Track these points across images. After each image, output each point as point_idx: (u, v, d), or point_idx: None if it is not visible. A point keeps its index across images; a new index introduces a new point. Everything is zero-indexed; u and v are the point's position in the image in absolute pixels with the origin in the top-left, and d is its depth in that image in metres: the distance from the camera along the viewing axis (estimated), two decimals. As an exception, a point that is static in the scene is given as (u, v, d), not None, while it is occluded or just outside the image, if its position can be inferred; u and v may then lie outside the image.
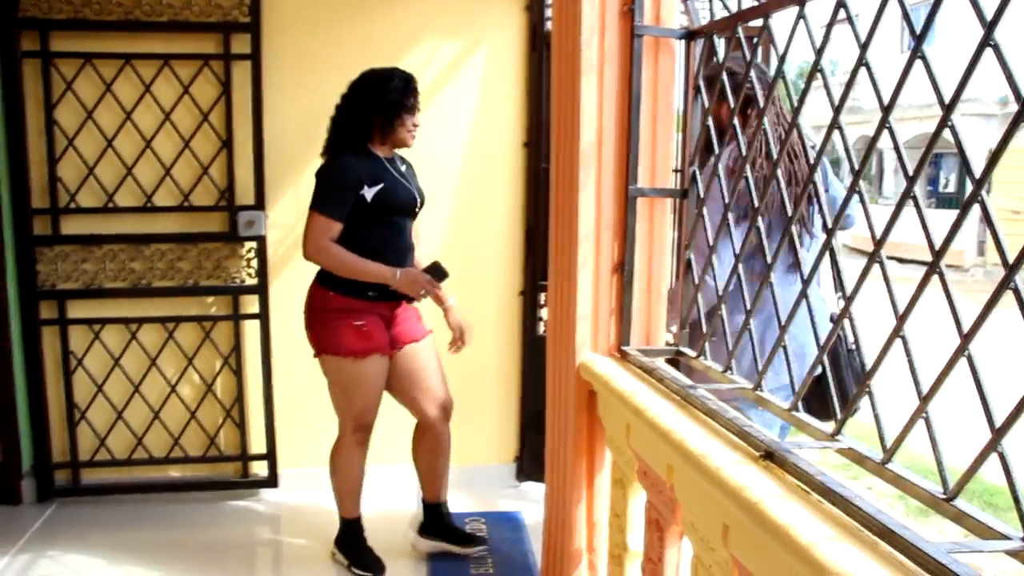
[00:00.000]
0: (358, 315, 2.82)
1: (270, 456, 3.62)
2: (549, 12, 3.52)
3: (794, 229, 1.62)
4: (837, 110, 1.44)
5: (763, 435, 1.51)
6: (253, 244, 3.49)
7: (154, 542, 3.22)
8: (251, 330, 3.58)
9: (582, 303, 2.24)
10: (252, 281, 3.52)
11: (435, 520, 3.16)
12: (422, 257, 3.06)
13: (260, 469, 3.66)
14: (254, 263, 3.51)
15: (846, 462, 1.45)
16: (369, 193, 2.75)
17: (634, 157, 2.23)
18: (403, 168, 2.94)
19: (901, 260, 14.22)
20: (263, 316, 3.52)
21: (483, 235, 3.63)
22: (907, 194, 1.23)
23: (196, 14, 3.34)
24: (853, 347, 2.70)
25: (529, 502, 3.59)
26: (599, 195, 2.24)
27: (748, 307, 1.78)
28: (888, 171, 23.39)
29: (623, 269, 2.26)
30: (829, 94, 1.50)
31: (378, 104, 2.77)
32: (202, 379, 3.57)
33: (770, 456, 1.46)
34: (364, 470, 3.02)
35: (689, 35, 2.22)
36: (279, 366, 3.59)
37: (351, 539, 3.06)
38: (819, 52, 1.55)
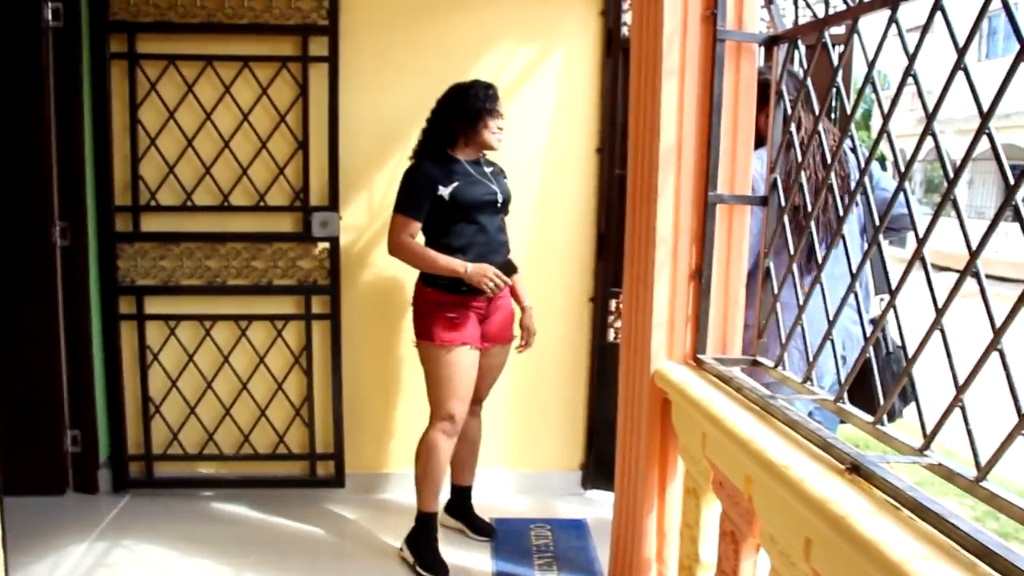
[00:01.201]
0: (453, 308, 2.99)
1: (337, 456, 3.65)
2: (624, 18, 3.51)
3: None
4: (930, 117, 1.38)
5: (848, 448, 1.46)
6: (326, 245, 3.53)
7: (223, 537, 3.27)
8: (322, 330, 3.61)
9: (658, 309, 2.21)
10: (324, 282, 3.56)
11: (458, 501, 3.38)
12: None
13: (327, 469, 3.68)
14: (327, 263, 3.54)
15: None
16: (445, 192, 2.93)
17: (714, 163, 2.19)
18: (488, 170, 3.08)
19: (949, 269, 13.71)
20: (334, 317, 3.56)
21: (555, 240, 3.60)
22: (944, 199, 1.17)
23: (276, 17, 3.40)
24: (892, 350, 2.62)
25: (595, 509, 3.54)
26: (678, 200, 2.20)
27: (800, 304, 1.73)
28: (962, 182, 22.69)
29: (700, 276, 2.21)
30: (924, 102, 1.45)
31: (460, 110, 2.97)
32: (272, 377, 3.61)
33: (856, 469, 1.41)
34: (448, 464, 3.12)
35: (772, 40, 2.18)
36: (348, 367, 3.62)
37: (423, 537, 3.09)
38: (912, 57, 1.50)
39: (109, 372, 3.57)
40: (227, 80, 3.42)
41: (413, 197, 2.98)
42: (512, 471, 3.73)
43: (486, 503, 3.52)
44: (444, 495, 3.28)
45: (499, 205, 3.04)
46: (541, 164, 3.58)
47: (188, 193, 3.47)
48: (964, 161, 1.30)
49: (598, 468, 3.66)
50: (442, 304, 2.99)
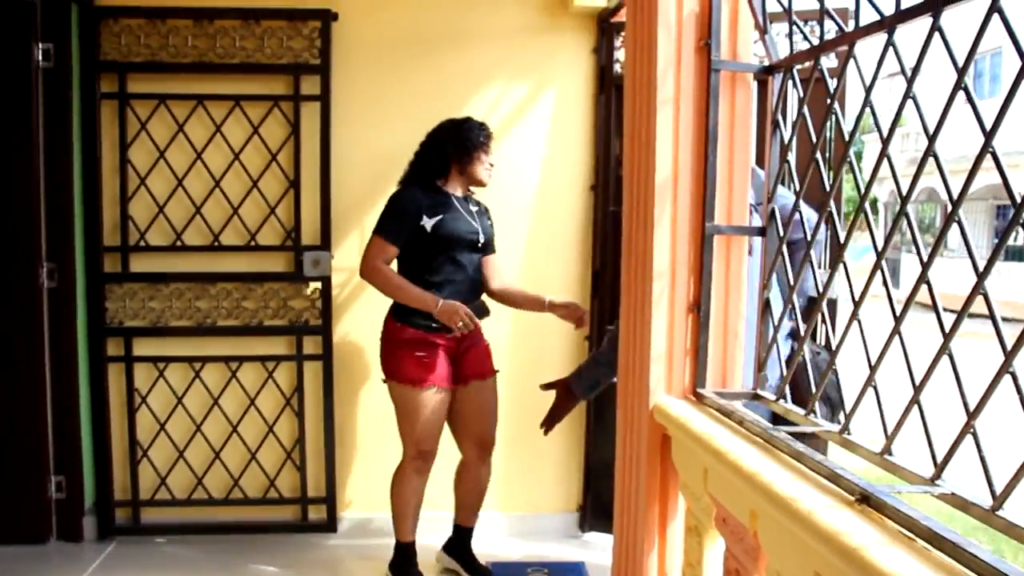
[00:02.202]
0: (422, 347, 2.95)
1: (329, 500, 3.57)
2: (617, 55, 3.51)
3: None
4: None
5: (857, 478, 1.41)
6: (318, 284, 3.48)
7: (211, 584, 3.18)
8: (313, 371, 3.55)
9: (656, 343, 2.16)
10: (316, 322, 3.51)
11: (458, 541, 3.28)
12: (518, 292, 3.25)
13: (319, 513, 3.60)
14: (319, 303, 3.50)
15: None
16: (428, 224, 2.93)
17: (711, 193, 2.16)
18: (474, 208, 3.08)
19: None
20: (326, 357, 3.50)
21: (549, 277, 3.56)
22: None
23: (268, 56, 3.39)
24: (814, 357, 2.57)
25: (593, 552, 3.46)
26: (674, 232, 2.16)
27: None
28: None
29: (699, 308, 2.17)
30: (924, 123, 1.42)
31: (455, 141, 2.99)
32: (263, 420, 3.55)
33: (866, 500, 1.35)
34: (421, 497, 3.12)
35: (768, 69, 2.16)
36: (340, 409, 3.55)
37: (402, 564, 3.14)
38: (910, 81, 1.48)
39: (95, 415, 3.49)
40: (218, 119, 3.40)
41: (395, 222, 2.96)
42: (508, 514, 3.65)
43: (482, 546, 3.42)
44: (433, 531, 3.20)
45: (479, 245, 3.04)
46: (534, 201, 3.56)
47: (178, 233, 3.44)
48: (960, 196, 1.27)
49: (596, 510, 3.58)
50: (411, 342, 2.96)
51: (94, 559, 3.35)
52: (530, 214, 3.56)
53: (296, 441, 3.55)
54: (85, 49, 3.35)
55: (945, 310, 1.37)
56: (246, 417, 3.55)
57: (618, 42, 3.47)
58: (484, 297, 3.15)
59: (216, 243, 3.45)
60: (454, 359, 3.04)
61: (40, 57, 3.31)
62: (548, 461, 3.66)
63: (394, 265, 3.02)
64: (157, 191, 3.42)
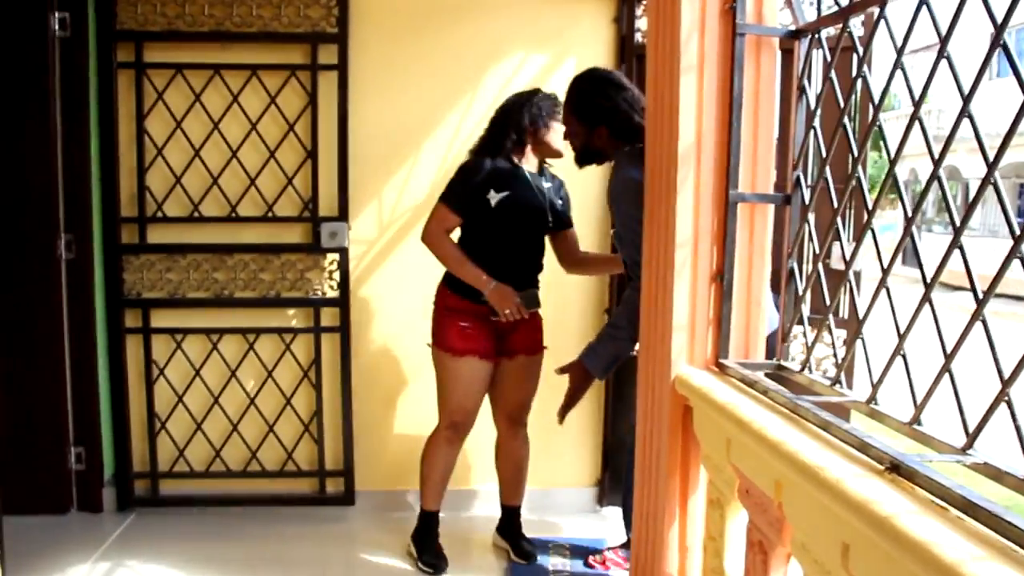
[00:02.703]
0: (467, 317, 2.94)
1: (347, 473, 3.56)
2: (638, 24, 3.44)
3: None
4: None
5: (887, 447, 1.37)
6: (335, 256, 3.46)
7: (228, 557, 3.17)
8: (331, 344, 3.53)
9: (678, 313, 2.11)
10: (333, 294, 3.49)
11: (506, 521, 3.27)
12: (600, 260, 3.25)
13: (337, 486, 3.59)
14: (336, 275, 3.47)
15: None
16: (494, 198, 2.86)
17: (735, 161, 2.11)
18: (547, 184, 3.01)
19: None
20: (343, 329, 3.48)
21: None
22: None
23: (285, 25, 3.35)
24: None
25: (611, 526, 3.43)
26: (697, 200, 2.11)
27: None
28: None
29: (722, 278, 2.13)
30: (957, 81, 1.37)
31: (529, 112, 2.89)
32: (281, 392, 3.53)
33: (896, 468, 1.31)
34: (450, 468, 3.12)
35: (794, 33, 2.10)
36: (358, 381, 3.54)
37: (424, 533, 3.14)
38: (944, 39, 1.42)
39: (114, 387, 3.49)
40: (235, 89, 3.36)
41: (461, 190, 2.90)
42: (527, 489, 3.62)
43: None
44: (469, 504, 3.19)
45: (548, 223, 2.98)
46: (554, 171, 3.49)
47: (195, 204, 3.42)
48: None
49: (615, 484, 3.55)
50: (458, 311, 2.94)
51: (114, 530, 3.37)
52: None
53: (314, 414, 3.54)
54: (101, 18, 3.32)
55: (961, 288, 1.33)
56: (263, 389, 3.54)
57: (639, 11, 3.41)
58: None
59: (233, 214, 3.43)
60: (501, 333, 3.00)
61: (56, 26, 3.29)
62: (566, 436, 3.62)
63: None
64: (174, 162, 3.40)
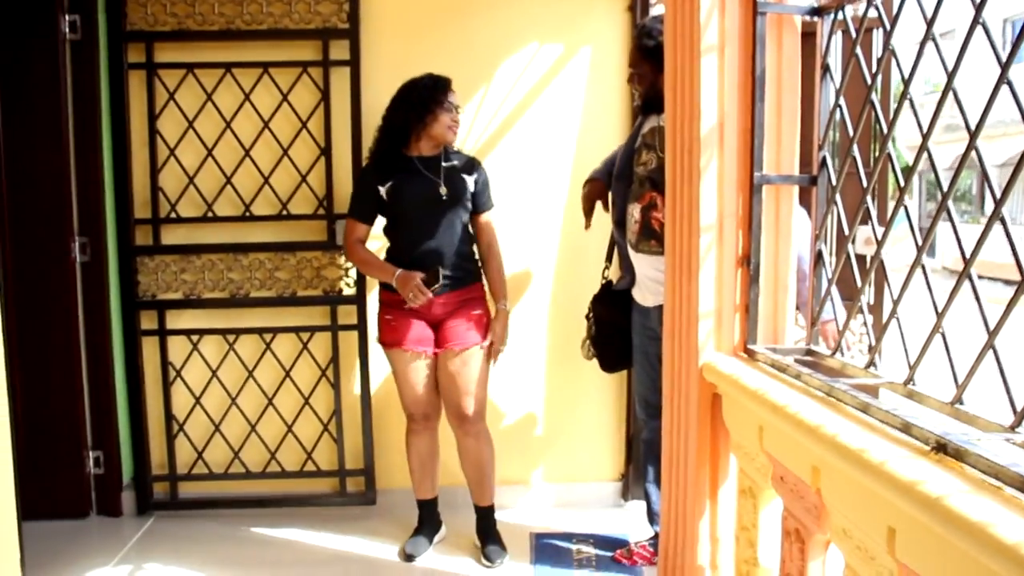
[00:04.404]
0: (391, 310, 3.01)
1: (367, 472, 3.52)
2: (652, 11, 3.39)
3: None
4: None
5: (933, 427, 1.32)
6: (351, 254, 3.42)
7: (249, 558, 3.15)
8: (349, 342, 3.49)
9: (704, 299, 2.07)
10: (350, 291, 3.45)
11: (478, 521, 3.21)
12: (494, 271, 3.12)
13: (357, 486, 3.56)
14: (352, 272, 3.44)
15: None
16: (383, 190, 2.95)
17: (759, 142, 2.07)
18: (445, 164, 2.98)
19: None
20: (361, 327, 3.44)
21: (587, 240, 3.43)
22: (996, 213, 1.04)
23: (296, 21, 3.32)
24: None
25: (637, 520, 3.38)
26: (721, 183, 2.07)
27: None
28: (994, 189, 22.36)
29: (749, 262, 2.08)
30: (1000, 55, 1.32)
31: (407, 104, 2.92)
32: (299, 391, 3.50)
33: (943, 448, 1.27)
34: (426, 458, 3.16)
35: (817, 11, 2.06)
36: (377, 379, 3.50)
37: (419, 521, 3.24)
38: (978, 9, 1.37)
39: (131, 390, 3.47)
40: (247, 87, 3.33)
41: (356, 197, 3.05)
42: (551, 484, 3.59)
43: (526, 516, 3.44)
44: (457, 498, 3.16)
45: (443, 202, 2.94)
46: (572, 164, 3.45)
47: (209, 204, 3.39)
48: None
49: (638, 479, 3.50)
50: (386, 304, 3.04)
51: (133, 534, 3.34)
52: (567, 177, 3.45)
53: (333, 412, 3.51)
54: (111, 19, 3.29)
55: (983, 277, 1.28)
56: (281, 389, 3.50)
57: (653, -1, 3.37)
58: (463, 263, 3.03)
59: (247, 213, 3.40)
60: (434, 325, 3.01)
61: (67, 29, 3.27)
62: (590, 430, 3.58)
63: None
64: (187, 162, 3.37)
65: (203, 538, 3.32)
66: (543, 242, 3.49)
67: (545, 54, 3.42)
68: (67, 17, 3.26)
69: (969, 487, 1.14)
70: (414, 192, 2.92)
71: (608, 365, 3.09)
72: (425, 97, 2.90)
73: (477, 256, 3.12)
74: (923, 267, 1.56)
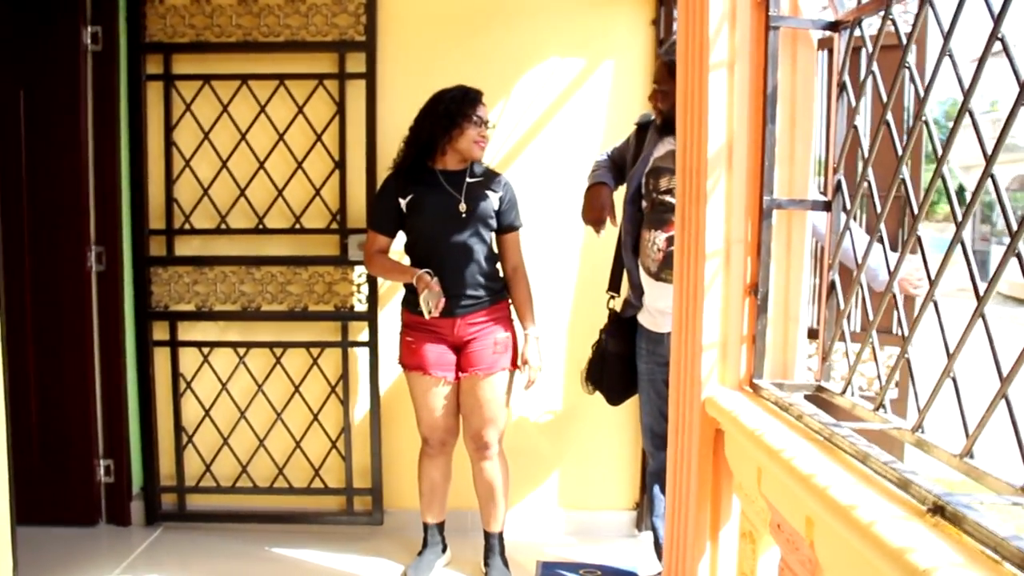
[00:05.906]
0: (412, 331, 2.95)
1: (375, 491, 3.47)
2: (676, 26, 3.31)
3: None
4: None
5: (932, 485, 1.21)
6: (364, 268, 3.37)
7: (255, 574, 3.12)
8: (359, 358, 3.45)
9: (709, 329, 1.97)
10: (362, 307, 3.41)
11: (487, 548, 3.14)
12: (521, 294, 3.03)
13: (365, 504, 3.50)
14: (364, 288, 3.39)
15: None
16: (403, 203, 2.89)
17: (770, 164, 1.96)
18: (471, 180, 2.91)
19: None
20: (372, 344, 3.39)
21: (606, 261, 3.35)
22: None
23: (313, 34, 3.30)
24: None
25: (647, 554, 3.27)
26: (730, 206, 1.96)
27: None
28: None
29: (757, 291, 1.98)
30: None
31: (434, 117, 2.85)
32: (308, 407, 3.46)
33: (940, 511, 1.15)
34: (436, 482, 3.10)
35: (833, 25, 1.96)
36: (387, 397, 3.45)
37: (423, 543, 3.18)
38: (998, 19, 1.27)
39: (142, 400, 3.46)
40: (263, 99, 3.32)
41: (377, 210, 2.99)
42: (566, 511, 3.50)
43: (539, 543, 3.36)
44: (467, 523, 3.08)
45: (463, 217, 2.86)
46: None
47: (223, 216, 3.37)
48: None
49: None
50: (407, 326, 2.98)
51: (140, 543, 3.34)
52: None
53: (342, 430, 3.46)
54: (131, 30, 3.31)
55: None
56: (291, 404, 3.47)
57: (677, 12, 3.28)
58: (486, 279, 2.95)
59: (261, 226, 3.37)
60: (457, 349, 2.93)
61: (89, 40, 3.29)
62: (605, 458, 3.49)
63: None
64: (202, 173, 3.36)
65: (209, 551, 3.30)
66: (562, 261, 3.41)
67: (566, 68, 3.35)
68: (89, 29, 3.28)
69: (964, 559, 1.03)
70: (433, 206, 2.86)
71: (614, 398, 2.98)
72: (452, 110, 2.83)
73: (502, 274, 3.04)
74: (935, 303, 1.45)
